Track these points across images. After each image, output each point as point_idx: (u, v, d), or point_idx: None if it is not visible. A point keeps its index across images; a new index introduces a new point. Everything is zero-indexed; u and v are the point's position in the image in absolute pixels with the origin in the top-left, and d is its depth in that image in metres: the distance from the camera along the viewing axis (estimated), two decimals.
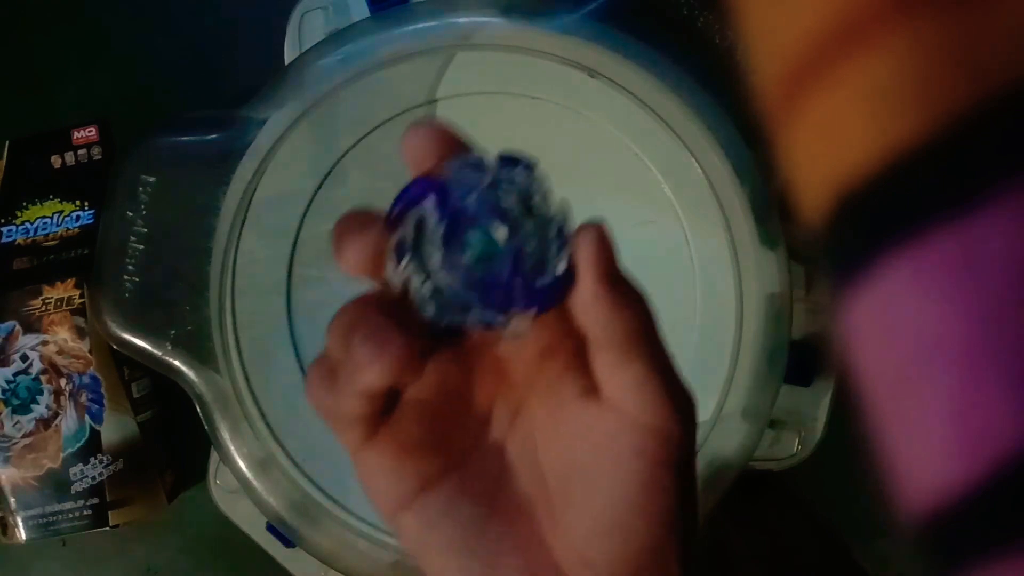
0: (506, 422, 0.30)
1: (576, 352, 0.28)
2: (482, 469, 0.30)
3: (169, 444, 0.58)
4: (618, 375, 0.28)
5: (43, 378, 0.54)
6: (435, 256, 0.25)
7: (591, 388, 0.28)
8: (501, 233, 0.26)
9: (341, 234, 0.27)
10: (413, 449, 0.29)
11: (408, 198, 0.26)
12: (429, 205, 0.26)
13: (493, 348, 0.29)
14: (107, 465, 0.54)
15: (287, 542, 0.52)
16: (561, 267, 0.26)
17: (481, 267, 0.25)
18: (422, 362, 0.28)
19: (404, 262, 0.26)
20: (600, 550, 0.28)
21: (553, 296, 0.26)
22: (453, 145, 0.27)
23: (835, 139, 0.15)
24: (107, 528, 0.54)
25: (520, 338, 0.27)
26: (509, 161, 0.26)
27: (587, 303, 0.26)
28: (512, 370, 0.30)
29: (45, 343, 0.54)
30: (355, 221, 0.27)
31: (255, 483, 0.50)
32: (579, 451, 0.29)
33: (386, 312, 0.27)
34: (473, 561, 0.28)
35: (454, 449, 0.29)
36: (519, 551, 0.29)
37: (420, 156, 0.27)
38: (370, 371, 0.26)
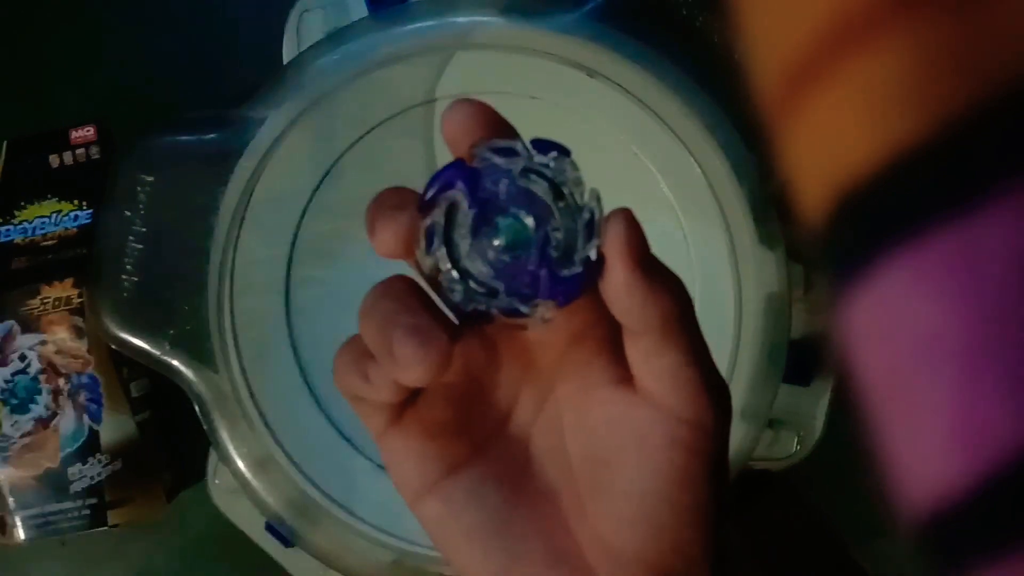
0: (533, 408, 0.30)
1: (607, 338, 0.28)
2: (508, 455, 0.29)
3: (168, 444, 0.57)
4: (653, 363, 0.27)
5: (42, 378, 0.54)
6: (464, 242, 0.25)
7: (623, 376, 0.28)
8: (530, 221, 0.25)
9: (375, 215, 0.27)
10: (439, 433, 0.28)
11: (440, 182, 0.26)
12: (460, 190, 0.25)
13: (521, 333, 0.29)
14: (106, 465, 0.54)
15: (286, 542, 0.52)
16: (591, 256, 0.25)
17: (509, 255, 0.25)
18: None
19: (434, 247, 0.25)
20: (627, 541, 0.28)
21: (580, 285, 0.26)
22: (492, 125, 0.27)
23: (834, 139, 0.15)
24: (106, 528, 0.54)
25: (546, 325, 0.26)
26: (542, 147, 0.26)
27: (620, 292, 0.26)
28: (540, 356, 0.29)
29: (43, 343, 0.53)
30: (389, 202, 0.27)
31: (254, 483, 0.49)
32: (609, 440, 0.28)
33: (425, 302, 0.26)
34: (497, 547, 0.28)
35: (479, 434, 0.29)
36: (543, 538, 0.28)
37: (458, 135, 0.27)
38: (414, 371, 0.25)
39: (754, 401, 0.48)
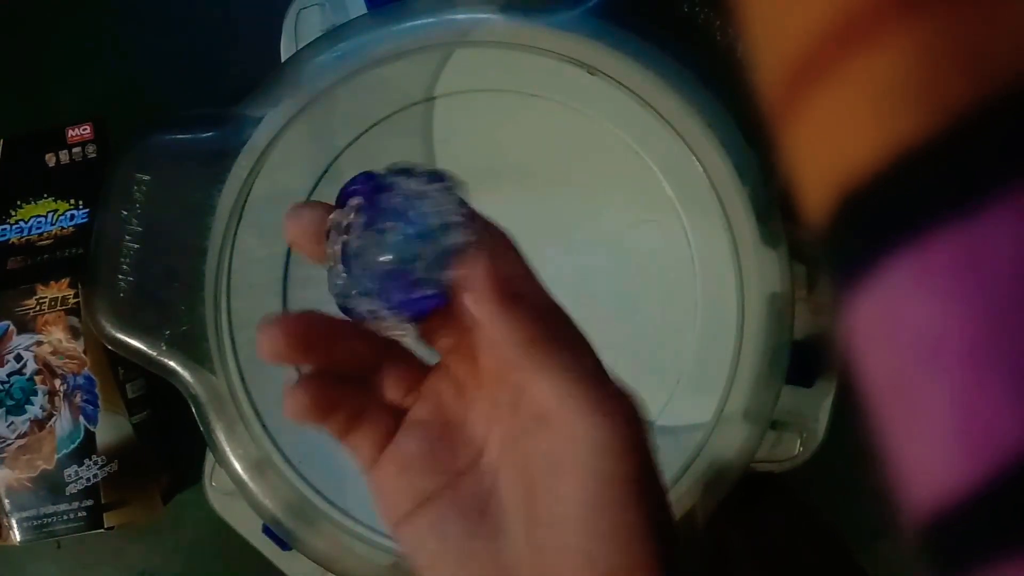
0: (501, 443, 0.31)
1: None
2: (476, 488, 0.31)
3: (164, 445, 0.57)
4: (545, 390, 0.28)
5: (37, 379, 0.53)
6: (356, 241, 0.28)
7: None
8: (410, 234, 0.28)
9: (289, 212, 0.30)
10: (411, 468, 0.31)
11: (346, 190, 0.29)
12: (362, 198, 0.29)
13: (484, 372, 0.31)
14: (102, 467, 0.54)
15: (283, 544, 0.52)
16: (443, 280, 0.28)
17: (388, 263, 0.28)
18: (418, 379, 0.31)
19: (336, 239, 0.29)
20: (563, 569, 0.28)
21: (427, 307, 0.28)
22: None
23: (838, 138, 0.15)
24: (102, 530, 0.54)
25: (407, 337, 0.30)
26: (434, 177, 0.29)
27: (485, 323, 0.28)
28: (500, 394, 0.30)
29: (39, 343, 0.53)
30: (305, 206, 0.30)
31: (251, 485, 0.49)
32: (543, 472, 0.29)
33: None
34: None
35: (452, 468, 0.31)
36: (498, 570, 0.29)
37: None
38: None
39: (756, 403, 0.48)
